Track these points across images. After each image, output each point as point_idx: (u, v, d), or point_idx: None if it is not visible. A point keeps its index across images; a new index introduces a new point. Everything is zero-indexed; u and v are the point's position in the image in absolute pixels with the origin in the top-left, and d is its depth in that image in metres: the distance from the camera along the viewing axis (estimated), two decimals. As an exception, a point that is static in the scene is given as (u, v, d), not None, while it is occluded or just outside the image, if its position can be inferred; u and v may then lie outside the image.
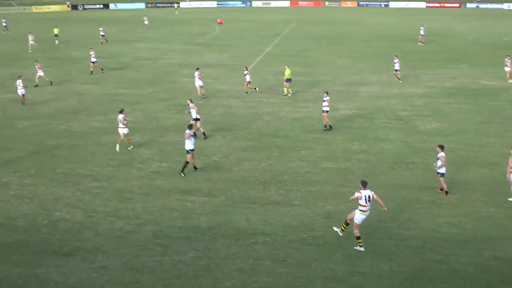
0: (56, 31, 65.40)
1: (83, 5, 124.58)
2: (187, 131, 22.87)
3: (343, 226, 17.42)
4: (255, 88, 38.15)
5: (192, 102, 27.91)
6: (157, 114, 32.55)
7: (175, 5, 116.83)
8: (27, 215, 19.31)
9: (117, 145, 26.34)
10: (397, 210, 19.40)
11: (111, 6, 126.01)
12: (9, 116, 31.37)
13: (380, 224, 18.35)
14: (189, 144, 22.85)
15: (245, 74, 37.48)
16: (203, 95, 36.57)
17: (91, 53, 45.31)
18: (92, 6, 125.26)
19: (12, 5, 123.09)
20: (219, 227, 18.32)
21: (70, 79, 43.46)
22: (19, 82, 35.15)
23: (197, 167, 23.41)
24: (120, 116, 25.97)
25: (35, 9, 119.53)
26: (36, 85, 39.93)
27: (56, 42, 63.99)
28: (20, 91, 35.08)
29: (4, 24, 76.54)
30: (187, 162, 22.98)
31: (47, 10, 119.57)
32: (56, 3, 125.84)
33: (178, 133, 28.46)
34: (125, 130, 26.16)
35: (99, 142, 27.49)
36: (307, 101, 35.04)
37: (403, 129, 29.23)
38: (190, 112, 28.14)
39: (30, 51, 54.08)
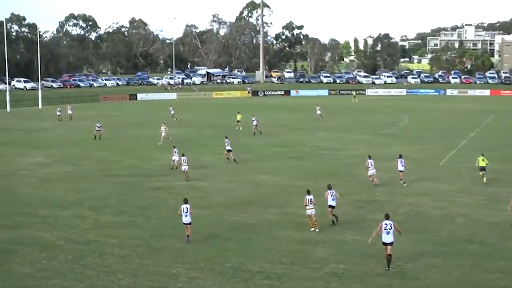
0: (239, 117, 68.94)
1: (263, 91, 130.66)
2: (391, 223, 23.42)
3: None
4: (401, 180, 38.44)
5: (330, 188, 29.24)
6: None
7: (353, 92, 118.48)
8: (193, 310, 19.89)
9: (312, 228, 28.13)
10: None
11: (292, 92, 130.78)
12: (183, 204, 33.01)
13: None
14: (386, 237, 23.29)
15: (401, 164, 38.43)
16: (376, 183, 37.65)
17: (226, 141, 47.18)
18: (272, 93, 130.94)
19: (193, 90, 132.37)
20: None
21: (246, 168, 45.17)
22: (184, 159, 40.57)
23: (390, 267, 23.28)
24: (309, 197, 27.94)
25: (215, 94, 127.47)
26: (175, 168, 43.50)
27: (240, 128, 67.26)
28: (184, 167, 40.46)
29: (172, 112, 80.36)
30: (390, 255, 23.24)
31: (227, 95, 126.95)
32: (236, 89, 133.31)
33: (356, 231, 28.20)
34: (313, 211, 28.09)
35: (272, 236, 27.94)
36: (508, 203, 33.22)
37: None
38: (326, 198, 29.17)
39: (160, 143, 55.94)
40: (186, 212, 26.79)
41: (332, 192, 29.19)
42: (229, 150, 47.04)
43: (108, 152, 52.93)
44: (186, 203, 27.04)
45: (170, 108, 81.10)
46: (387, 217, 23.77)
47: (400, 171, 38.55)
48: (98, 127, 60.90)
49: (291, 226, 29.37)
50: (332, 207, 29.20)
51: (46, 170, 44.84)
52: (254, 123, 64.27)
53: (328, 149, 54.31)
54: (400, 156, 39.01)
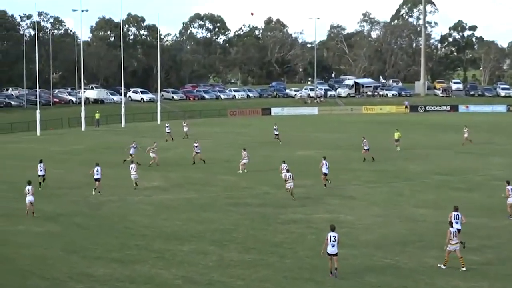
0: (397, 135, 68.73)
1: (424, 106, 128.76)
2: None
3: None
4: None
5: (457, 210, 31.22)
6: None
7: None
8: None
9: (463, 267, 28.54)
10: None
11: (461, 108, 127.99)
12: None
13: None
14: None
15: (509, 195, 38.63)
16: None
17: (324, 163, 48.22)
18: (436, 108, 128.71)
19: (338, 104, 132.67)
20: None
21: (401, 200, 44.60)
22: (289, 175, 43.99)
23: None
24: (453, 230, 29.15)
25: (364, 109, 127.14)
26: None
27: (398, 148, 67.21)
28: (289, 184, 43.73)
29: (276, 133, 78.28)
30: None
31: (379, 111, 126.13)
32: (391, 103, 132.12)
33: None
34: (457, 247, 28.80)
35: (433, 285, 27.36)
36: None
37: None
38: None
39: (239, 171, 55.25)
40: (333, 242, 27.67)
41: (458, 214, 31.82)
42: (325, 174, 48.20)
43: (235, 177, 53.79)
44: (333, 231, 28.05)
45: (275, 128, 79.30)
46: None
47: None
48: (196, 146, 60.00)
49: (456, 273, 28.60)
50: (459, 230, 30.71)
51: (164, 196, 46.22)
52: (365, 147, 62.58)
53: (505, 178, 52.36)
54: (509, 183, 39.45)
